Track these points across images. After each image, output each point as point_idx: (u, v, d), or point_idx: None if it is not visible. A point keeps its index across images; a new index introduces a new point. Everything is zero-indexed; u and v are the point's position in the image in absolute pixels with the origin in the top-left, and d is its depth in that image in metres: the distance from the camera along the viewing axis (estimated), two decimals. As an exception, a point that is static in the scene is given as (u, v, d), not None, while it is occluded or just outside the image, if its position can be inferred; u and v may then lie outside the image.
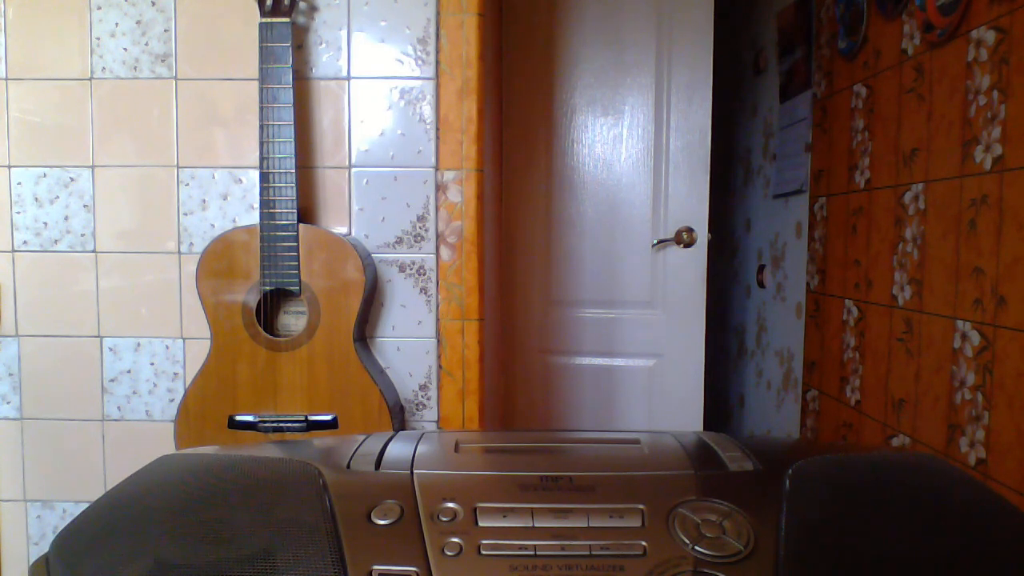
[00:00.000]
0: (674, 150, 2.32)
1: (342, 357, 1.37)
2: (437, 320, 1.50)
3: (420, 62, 1.46)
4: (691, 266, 2.33)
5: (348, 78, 1.47)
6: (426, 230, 1.48)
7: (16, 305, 1.50)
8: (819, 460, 0.72)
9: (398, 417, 1.45)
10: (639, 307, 2.37)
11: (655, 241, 2.34)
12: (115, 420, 1.52)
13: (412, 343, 1.50)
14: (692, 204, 2.32)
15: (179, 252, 1.49)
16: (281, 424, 1.36)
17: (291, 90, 1.34)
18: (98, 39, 1.46)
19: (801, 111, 2.28)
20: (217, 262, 1.37)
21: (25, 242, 1.49)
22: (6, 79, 1.47)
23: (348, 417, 1.37)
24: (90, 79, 1.47)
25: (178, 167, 1.48)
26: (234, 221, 1.49)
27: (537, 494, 0.67)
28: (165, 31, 1.46)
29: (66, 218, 1.49)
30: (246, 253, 1.37)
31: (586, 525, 0.63)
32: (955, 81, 1.50)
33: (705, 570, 0.59)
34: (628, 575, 0.59)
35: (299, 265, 1.35)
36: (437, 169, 1.48)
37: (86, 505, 1.00)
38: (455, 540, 0.62)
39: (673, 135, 2.32)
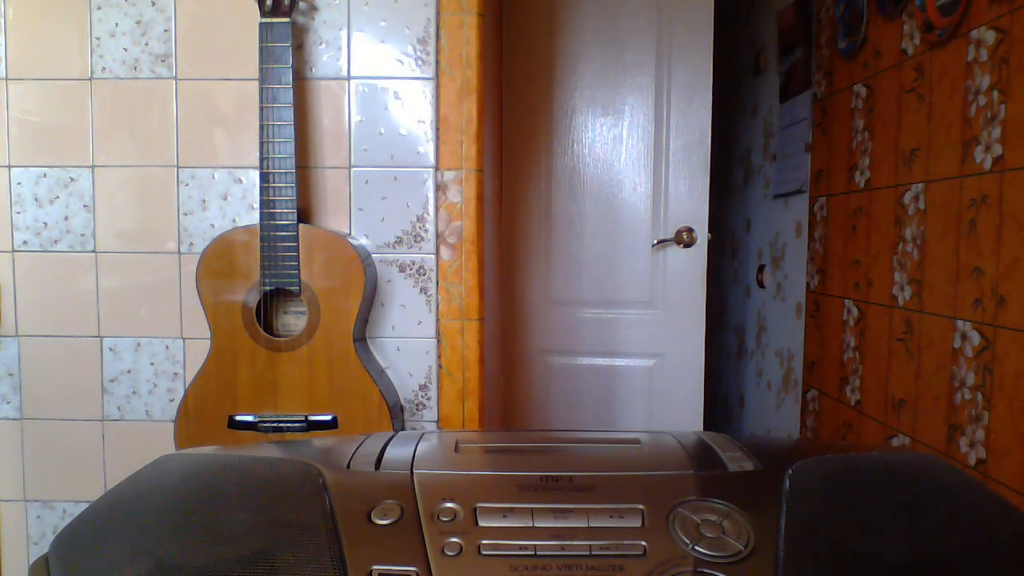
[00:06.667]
0: (674, 150, 2.32)
1: (342, 357, 1.37)
2: (437, 320, 1.50)
3: (420, 62, 1.46)
4: (691, 266, 2.33)
5: (348, 78, 1.47)
6: (426, 230, 1.48)
7: (16, 305, 1.50)
8: (819, 460, 0.72)
9: (398, 417, 1.45)
10: (639, 307, 2.37)
11: (655, 241, 2.34)
12: (115, 420, 1.52)
13: (412, 343, 1.50)
14: (692, 204, 2.32)
15: (179, 252, 1.49)
16: (281, 424, 1.36)
17: (291, 90, 1.34)
18: (98, 39, 1.46)
19: (801, 111, 2.28)
20: (217, 262, 1.37)
21: (25, 242, 1.49)
22: (6, 79, 1.47)
23: (348, 417, 1.37)
24: (90, 79, 1.47)
25: (178, 167, 1.48)
26: (234, 221, 1.49)
27: (537, 494, 0.67)
28: (165, 31, 1.46)
29: (66, 218, 1.49)
30: (246, 253, 1.36)
31: (586, 525, 0.63)
32: (955, 81, 1.50)
33: (705, 570, 0.59)
34: (628, 575, 0.59)
35: (299, 265, 1.35)
36: (437, 169, 1.48)
37: (86, 505, 1.00)
38: (455, 540, 0.62)
39: (673, 135, 2.32)
